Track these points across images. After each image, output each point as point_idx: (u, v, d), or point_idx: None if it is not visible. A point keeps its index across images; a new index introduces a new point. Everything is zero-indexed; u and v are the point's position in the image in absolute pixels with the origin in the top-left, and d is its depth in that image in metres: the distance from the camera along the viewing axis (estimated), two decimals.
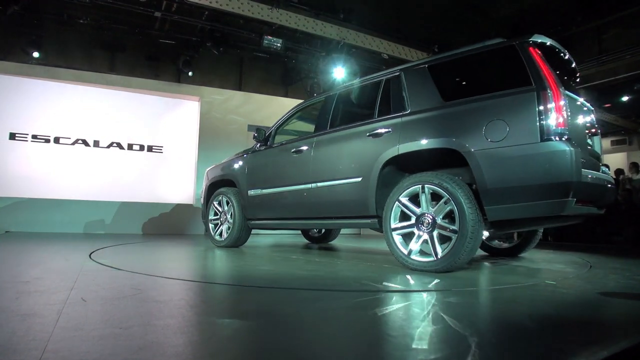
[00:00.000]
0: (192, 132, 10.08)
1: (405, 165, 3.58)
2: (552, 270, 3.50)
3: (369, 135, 3.72)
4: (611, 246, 7.00)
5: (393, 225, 3.33)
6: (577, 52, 9.03)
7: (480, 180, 2.94)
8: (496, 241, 4.48)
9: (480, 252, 4.38)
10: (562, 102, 2.80)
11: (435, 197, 3.13)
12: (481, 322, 1.78)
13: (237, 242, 5.31)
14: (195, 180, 9.74)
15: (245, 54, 10.86)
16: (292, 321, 1.74)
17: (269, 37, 9.04)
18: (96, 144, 9.38)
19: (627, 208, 7.76)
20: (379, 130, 3.64)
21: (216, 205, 5.55)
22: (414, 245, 3.18)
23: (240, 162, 5.36)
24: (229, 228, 5.33)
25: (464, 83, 3.58)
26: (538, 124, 2.78)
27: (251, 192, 5.01)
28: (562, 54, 3.49)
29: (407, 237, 3.26)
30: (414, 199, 3.26)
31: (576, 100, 3.23)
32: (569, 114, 2.85)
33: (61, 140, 9.10)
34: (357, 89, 4.31)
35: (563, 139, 2.74)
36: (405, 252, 3.23)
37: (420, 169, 3.38)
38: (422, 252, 3.17)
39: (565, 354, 1.33)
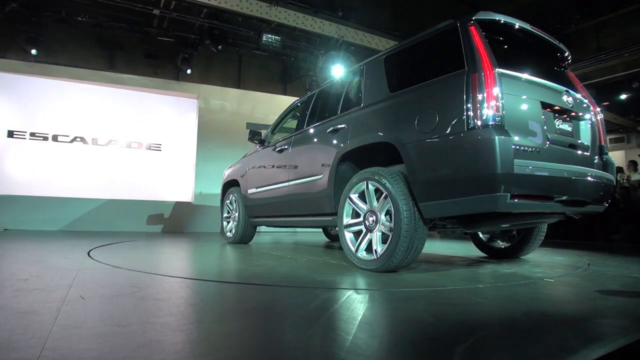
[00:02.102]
0: (191, 129, 10.07)
1: (360, 162, 3.46)
2: (550, 268, 3.50)
3: (329, 132, 3.72)
4: (610, 244, 7.01)
5: (345, 222, 3.26)
6: (575, 50, 9.05)
7: (411, 175, 2.80)
8: (499, 241, 4.10)
9: (479, 254, 4.29)
10: (494, 87, 2.51)
11: (380, 194, 2.99)
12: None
13: (242, 238, 5.51)
14: (194, 178, 9.74)
15: (244, 51, 10.85)
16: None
17: (268, 35, 9.04)
18: (94, 141, 9.37)
19: (625, 206, 7.77)
20: (336, 127, 3.63)
21: (228, 204, 5.78)
22: (361, 243, 3.10)
23: (243, 163, 5.60)
24: (236, 225, 5.51)
25: (410, 72, 3.30)
26: (465, 111, 2.53)
27: (250, 191, 5.20)
28: (532, 34, 3.17)
29: (358, 235, 3.18)
30: (363, 195, 3.15)
31: (536, 82, 2.84)
32: (503, 97, 2.52)
33: (59, 138, 9.08)
34: (331, 86, 4.28)
35: (491, 126, 2.45)
36: (354, 249, 3.15)
37: (376, 164, 3.20)
38: (368, 251, 3.07)
39: (564, 351, 1.34)
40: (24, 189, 8.43)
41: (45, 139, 8.98)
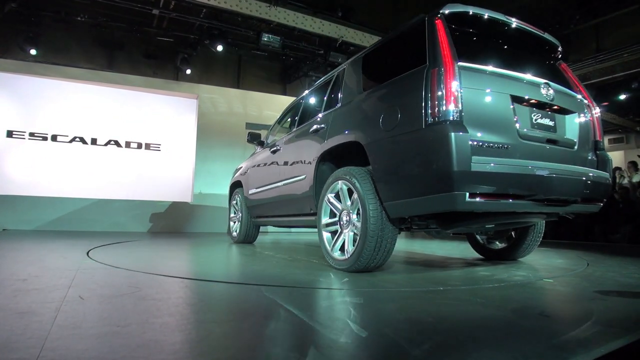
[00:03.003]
0: (190, 129, 10.07)
1: (338, 162, 3.41)
2: (549, 268, 3.50)
3: (311, 133, 3.72)
4: (609, 244, 7.01)
5: (323, 222, 3.24)
6: (575, 51, 9.06)
7: (376, 174, 2.77)
8: (497, 242, 3.91)
9: (475, 255, 4.22)
10: (453, 82, 2.41)
11: (352, 194, 2.96)
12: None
13: (246, 238, 5.60)
14: (193, 178, 9.74)
15: (243, 51, 10.85)
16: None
17: (267, 35, 9.04)
18: (94, 141, 9.37)
19: (625, 207, 7.78)
20: (317, 127, 3.63)
21: (234, 204, 5.87)
22: (336, 242, 3.09)
23: (244, 164, 5.70)
24: (240, 226, 5.61)
25: (382, 69, 3.24)
26: (423, 108, 2.45)
27: (250, 192, 5.26)
28: (511, 26, 3.02)
29: (335, 234, 3.16)
30: (339, 195, 3.13)
31: (506, 75, 2.70)
32: (463, 92, 2.43)
33: (59, 138, 9.08)
34: (320, 86, 4.26)
35: (448, 122, 2.36)
36: (329, 249, 3.14)
37: (353, 164, 3.11)
38: (342, 250, 3.04)
39: (563, 352, 1.34)
40: (23, 189, 8.42)
41: (45, 139, 8.98)
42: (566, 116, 2.95)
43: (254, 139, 5.34)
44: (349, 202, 2.99)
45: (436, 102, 2.41)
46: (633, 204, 7.81)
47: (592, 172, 2.93)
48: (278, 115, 5.46)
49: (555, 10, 8.73)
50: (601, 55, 8.96)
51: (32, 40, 8.63)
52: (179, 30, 9.53)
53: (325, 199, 3.23)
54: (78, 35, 9.39)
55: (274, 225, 5.31)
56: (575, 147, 2.95)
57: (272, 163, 4.62)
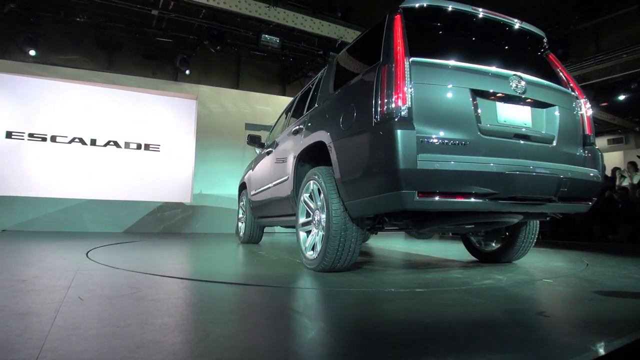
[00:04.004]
0: (190, 130, 10.07)
1: (315, 162, 3.35)
2: (548, 268, 3.50)
3: (292, 134, 3.76)
4: (608, 244, 7.01)
5: (300, 222, 3.25)
6: (574, 51, 9.06)
7: (335, 173, 2.77)
8: (492, 244, 3.70)
9: (470, 257, 4.07)
10: (402, 78, 2.34)
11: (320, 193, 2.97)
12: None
13: (251, 238, 5.70)
14: (192, 179, 9.73)
15: (242, 52, 10.84)
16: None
17: (266, 36, 9.03)
18: (93, 142, 9.37)
19: (624, 206, 7.78)
20: (297, 128, 3.66)
21: (241, 205, 5.97)
22: (308, 242, 3.11)
23: (249, 166, 5.79)
24: (245, 227, 5.71)
25: (349, 69, 3.26)
26: (374, 105, 2.42)
27: (252, 193, 5.34)
28: (485, 18, 2.88)
29: (309, 234, 3.17)
30: (312, 195, 3.14)
31: (466, 69, 2.57)
32: (414, 88, 2.36)
33: (58, 139, 9.08)
34: (309, 87, 4.23)
35: (395, 119, 2.29)
36: (303, 248, 3.15)
37: (326, 164, 3.03)
38: (313, 250, 3.04)
39: (562, 352, 1.33)
40: (22, 190, 8.41)
41: (44, 139, 8.97)
42: (544, 110, 2.78)
43: (254, 141, 5.38)
44: (319, 202, 2.98)
45: (385, 100, 2.36)
46: (633, 204, 7.81)
47: (573, 169, 2.73)
48: (277, 115, 5.50)
49: (556, 10, 8.73)
50: (601, 55, 8.96)
51: (31, 41, 8.62)
52: (178, 30, 9.52)
53: (302, 199, 3.24)
54: (77, 36, 9.38)
55: (273, 226, 5.34)
56: (554, 142, 2.76)
57: (266, 164, 4.68)
